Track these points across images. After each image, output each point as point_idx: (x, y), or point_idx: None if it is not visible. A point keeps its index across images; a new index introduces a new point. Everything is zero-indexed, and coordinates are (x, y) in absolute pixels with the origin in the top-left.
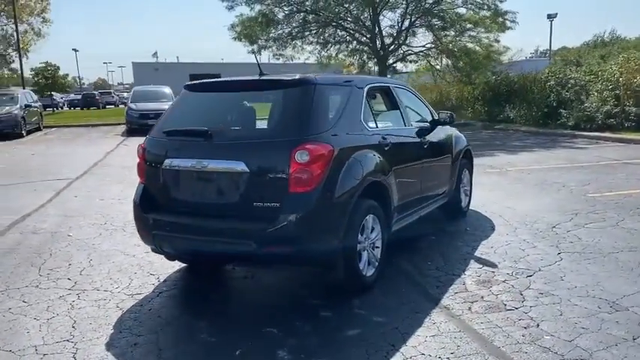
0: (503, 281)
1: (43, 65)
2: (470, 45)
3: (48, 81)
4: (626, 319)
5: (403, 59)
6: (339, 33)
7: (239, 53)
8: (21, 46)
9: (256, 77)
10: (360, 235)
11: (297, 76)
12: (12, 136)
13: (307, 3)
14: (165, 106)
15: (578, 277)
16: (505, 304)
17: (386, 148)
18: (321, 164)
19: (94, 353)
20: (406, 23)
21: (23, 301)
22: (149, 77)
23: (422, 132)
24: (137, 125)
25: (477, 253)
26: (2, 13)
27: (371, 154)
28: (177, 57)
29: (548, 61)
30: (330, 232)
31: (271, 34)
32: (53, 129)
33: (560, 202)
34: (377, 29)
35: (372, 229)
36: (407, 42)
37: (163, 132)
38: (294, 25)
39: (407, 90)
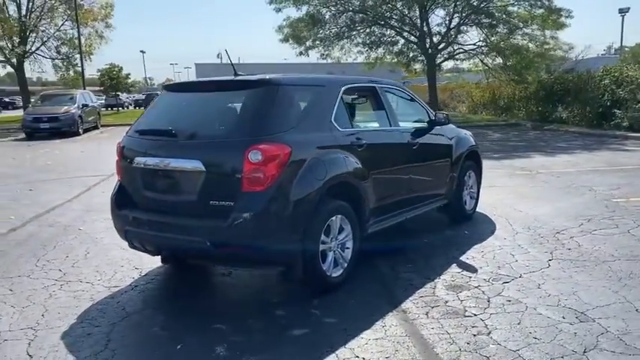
0: (476, 287)
1: (108, 66)
2: (522, 42)
3: (113, 81)
4: (586, 331)
5: (452, 58)
6: (386, 32)
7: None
8: (85, 49)
9: (225, 78)
10: (324, 236)
11: (261, 77)
12: (69, 134)
13: (355, 2)
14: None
15: (556, 286)
16: (465, 311)
17: (360, 149)
18: (275, 164)
19: (48, 341)
20: (454, 21)
21: (10, 290)
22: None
23: (413, 133)
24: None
25: (464, 257)
26: (68, 18)
27: (340, 154)
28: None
29: (618, 58)
30: (286, 232)
31: (319, 35)
32: (110, 127)
33: (578, 207)
34: (426, 28)
35: (342, 229)
36: (456, 40)
37: (136, 131)
38: (340, 25)
39: (400, 90)
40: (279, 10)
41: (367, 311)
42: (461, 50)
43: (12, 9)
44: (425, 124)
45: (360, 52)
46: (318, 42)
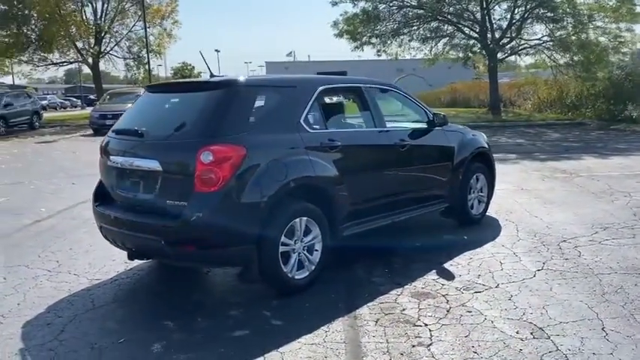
0: (444, 295)
1: (180, 65)
2: (592, 36)
3: (185, 78)
4: (533, 348)
5: (515, 53)
6: (444, 28)
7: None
8: (155, 48)
9: (194, 79)
10: (285, 237)
11: (222, 78)
12: None
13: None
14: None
15: (529, 298)
16: (418, 320)
17: (333, 150)
18: (227, 165)
19: (9, 329)
20: (517, 16)
21: (3, 278)
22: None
23: (403, 134)
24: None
25: (448, 264)
26: (139, 19)
27: (307, 156)
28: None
29: None
30: (239, 232)
31: (376, 31)
32: None
33: (601, 214)
34: (487, 22)
35: (309, 231)
36: (520, 35)
37: (113, 130)
38: (396, 21)
39: (394, 91)
40: (335, 3)
41: (320, 315)
42: (526, 45)
43: (88, 11)
44: (418, 125)
45: (419, 49)
46: (374, 38)
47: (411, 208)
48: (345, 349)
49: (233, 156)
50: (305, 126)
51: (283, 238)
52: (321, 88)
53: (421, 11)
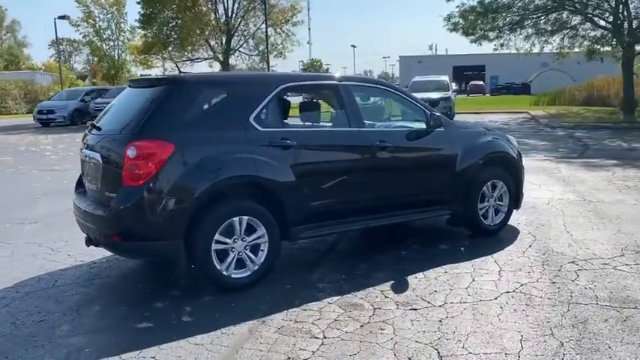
0: (375, 308)
1: (310, 61)
2: None
3: None
4: None
5: None
6: (569, 18)
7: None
8: (279, 47)
9: (152, 76)
10: (221, 235)
11: (168, 75)
12: None
13: None
14: (437, 95)
15: (461, 323)
16: (322, 332)
17: (285, 150)
18: (152, 161)
19: None
20: None
21: (11, 252)
22: (413, 70)
23: (385, 135)
24: None
25: (412, 276)
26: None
27: (250, 154)
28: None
29: None
30: (163, 227)
31: (495, 24)
32: None
33: None
34: (624, 10)
35: (253, 230)
36: None
37: (90, 124)
38: (517, 12)
39: (387, 91)
40: None
41: (235, 316)
42: None
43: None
44: (412, 126)
45: (545, 42)
46: (490, 32)
47: (393, 214)
48: (219, 356)
49: (158, 152)
50: (255, 124)
51: (219, 236)
52: (283, 85)
53: (543, 1)
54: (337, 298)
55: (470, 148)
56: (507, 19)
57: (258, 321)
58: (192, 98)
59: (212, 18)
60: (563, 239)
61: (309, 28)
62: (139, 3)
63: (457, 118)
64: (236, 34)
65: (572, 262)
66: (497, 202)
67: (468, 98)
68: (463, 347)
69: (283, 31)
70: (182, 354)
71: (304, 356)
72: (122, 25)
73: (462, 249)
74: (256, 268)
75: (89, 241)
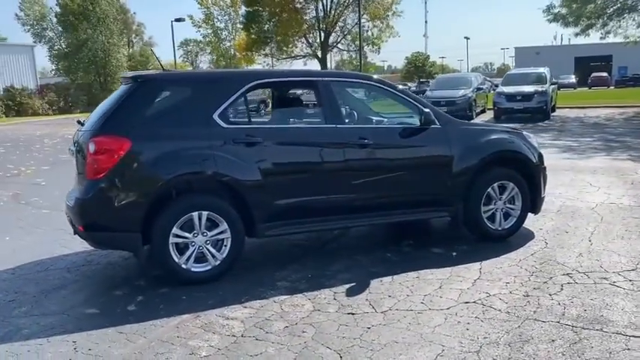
0: (315, 311)
1: (415, 55)
2: None
3: (418, 69)
4: None
5: None
6: None
7: None
8: (376, 41)
9: (129, 74)
10: (180, 229)
11: (136, 73)
12: (464, 117)
13: None
14: (530, 89)
15: (385, 332)
16: (242, 332)
17: (250, 147)
18: (109, 156)
19: None
20: None
21: (29, 235)
22: (530, 61)
23: (367, 132)
24: (502, 109)
25: (376, 280)
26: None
27: (210, 150)
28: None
29: None
30: (120, 219)
31: (603, 11)
32: None
33: None
34: None
35: (216, 226)
36: None
37: (77, 121)
38: None
39: (375, 86)
40: None
41: (177, 308)
42: None
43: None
44: (399, 124)
45: None
46: (594, 19)
47: (377, 214)
48: (132, 344)
49: (115, 147)
50: (219, 121)
51: (178, 230)
52: (252, 83)
53: None
54: (286, 297)
55: (471, 146)
56: (618, 3)
57: (194, 315)
58: (154, 96)
59: (310, 16)
60: (577, 248)
61: (426, 22)
62: (244, 3)
63: (557, 113)
64: (334, 30)
65: (568, 274)
66: (508, 206)
67: (588, 91)
68: (369, 357)
69: (382, 22)
70: (102, 341)
71: (205, 353)
72: (238, 25)
73: (455, 254)
74: (217, 263)
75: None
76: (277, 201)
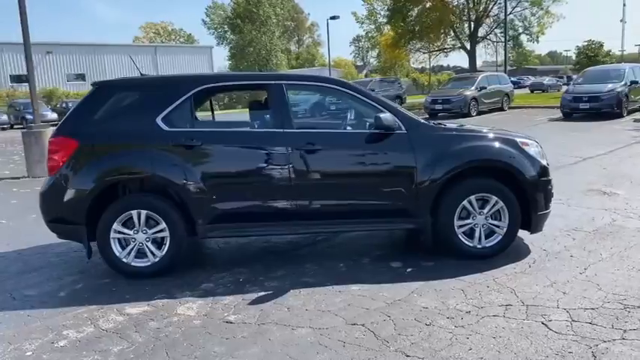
0: (206, 317)
1: (586, 43)
2: None
3: (590, 59)
4: None
5: None
6: None
7: None
8: (537, 29)
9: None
10: (121, 226)
11: (97, 81)
12: (611, 115)
13: None
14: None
15: (263, 345)
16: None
17: (190, 149)
18: (61, 155)
19: None
20: None
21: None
22: None
23: (315, 136)
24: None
25: (289, 293)
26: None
27: (149, 153)
28: None
29: None
30: (68, 213)
31: None
32: None
33: None
34: None
35: (155, 224)
36: None
37: None
38: None
39: (337, 89)
40: None
41: (97, 299)
42: None
43: None
44: (359, 129)
45: None
46: None
47: (329, 222)
48: (25, 328)
49: (63, 148)
50: (162, 124)
51: (118, 226)
52: (201, 87)
53: None
54: (198, 301)
55: (441, 154)
56: None
57: (99, 308)
58: (106, 100)
59: (461, 7)
60: (565, 276)
61: (624, 4)
62: None
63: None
64: (484, 21)
65: (508, 305)
66: (490, 222)
67: None
68: None
69: (542, 9)
70: (12, 323)
71: (63, 344)
72: (384, 19)
73: (409, 270)
74: (157, 260)
75: None
76: (217, 204)
